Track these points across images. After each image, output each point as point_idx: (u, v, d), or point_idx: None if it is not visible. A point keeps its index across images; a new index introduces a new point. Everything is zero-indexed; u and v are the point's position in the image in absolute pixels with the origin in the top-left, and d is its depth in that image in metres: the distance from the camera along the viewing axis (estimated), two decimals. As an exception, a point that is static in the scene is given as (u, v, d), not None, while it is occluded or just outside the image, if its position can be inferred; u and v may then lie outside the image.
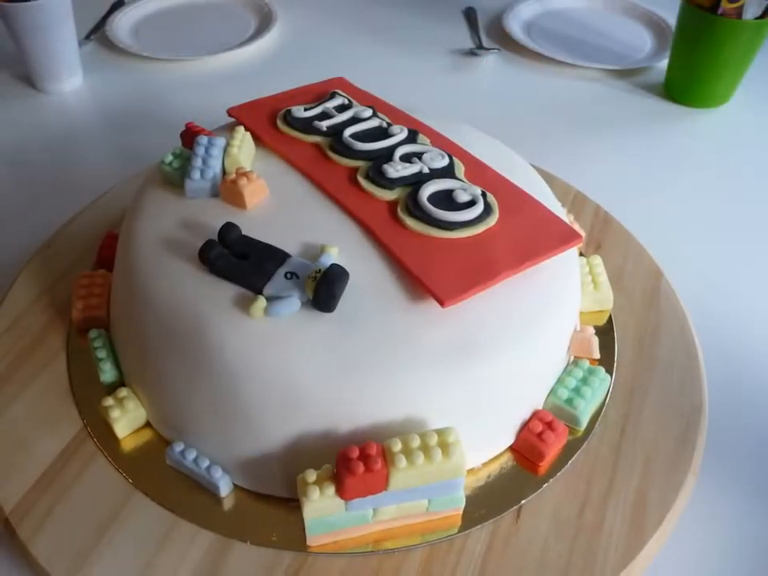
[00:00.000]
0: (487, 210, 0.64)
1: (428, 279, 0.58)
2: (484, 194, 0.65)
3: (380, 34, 1.33)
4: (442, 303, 0.56)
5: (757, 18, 1.02)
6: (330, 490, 0.53)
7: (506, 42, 1.28)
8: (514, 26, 1.30)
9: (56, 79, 1.16)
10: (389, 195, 0.66)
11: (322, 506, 0.53)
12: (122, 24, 1.32)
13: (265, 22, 1.33)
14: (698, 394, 0.68)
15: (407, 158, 0.69)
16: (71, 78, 1.17)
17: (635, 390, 0.68)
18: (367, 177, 0.67)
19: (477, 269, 0.59)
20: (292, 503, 0.58)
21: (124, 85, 1.19)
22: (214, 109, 0.99)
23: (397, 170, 0.67)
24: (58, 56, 1.14)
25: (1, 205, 0.94)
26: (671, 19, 1.22)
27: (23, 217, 0.92)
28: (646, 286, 0.78)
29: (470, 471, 0.61)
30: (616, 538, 0.57)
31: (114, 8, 1.36)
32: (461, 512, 0.58)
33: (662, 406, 0.67)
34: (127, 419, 0.63)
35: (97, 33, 1.30)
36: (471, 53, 1.26)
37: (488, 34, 1.32)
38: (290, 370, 0.54)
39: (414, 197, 0.64)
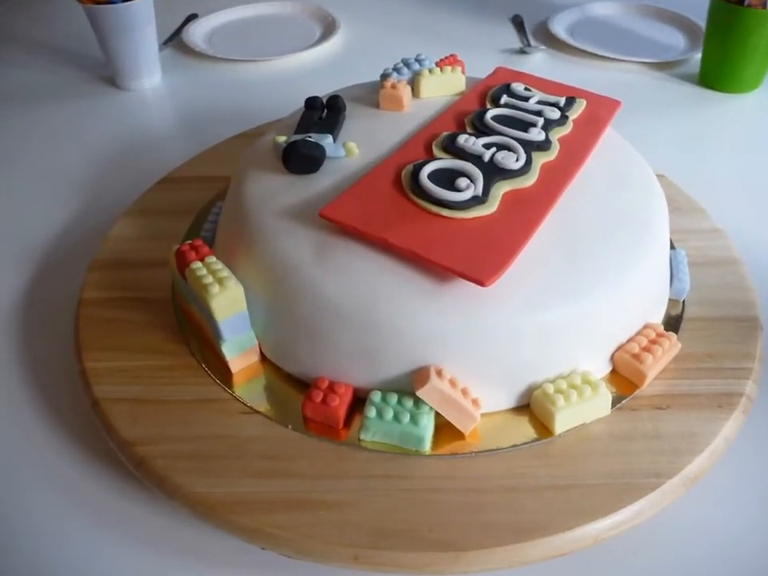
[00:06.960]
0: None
1: None
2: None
3: (434, 37, 1.30)
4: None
5: (780, 8, 1.01)
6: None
7: (552, 42, 1.26)
8: (559, 29, 1.27)
9: (137, 77, 1.14)
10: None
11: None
12: (197, 32, 1.31)
13: (328, 30, 1.31)
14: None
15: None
16: (151, 77, 1.16)
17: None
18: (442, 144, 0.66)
19: None
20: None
21: (198, 83, 1.17)
22: (282, 104, 1.01)
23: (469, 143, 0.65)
24: (140, 55, 1.12)
25: (84, 184, 0.94)
26: (700, 21, 1.20)
27: (105, 197, 0.91)
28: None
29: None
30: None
31: (188, 20, 1.35)
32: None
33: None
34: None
35: (173, 40, 1.29)
36: (521, 51, 1.24)
37: (534, 37, 1.30)
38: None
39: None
